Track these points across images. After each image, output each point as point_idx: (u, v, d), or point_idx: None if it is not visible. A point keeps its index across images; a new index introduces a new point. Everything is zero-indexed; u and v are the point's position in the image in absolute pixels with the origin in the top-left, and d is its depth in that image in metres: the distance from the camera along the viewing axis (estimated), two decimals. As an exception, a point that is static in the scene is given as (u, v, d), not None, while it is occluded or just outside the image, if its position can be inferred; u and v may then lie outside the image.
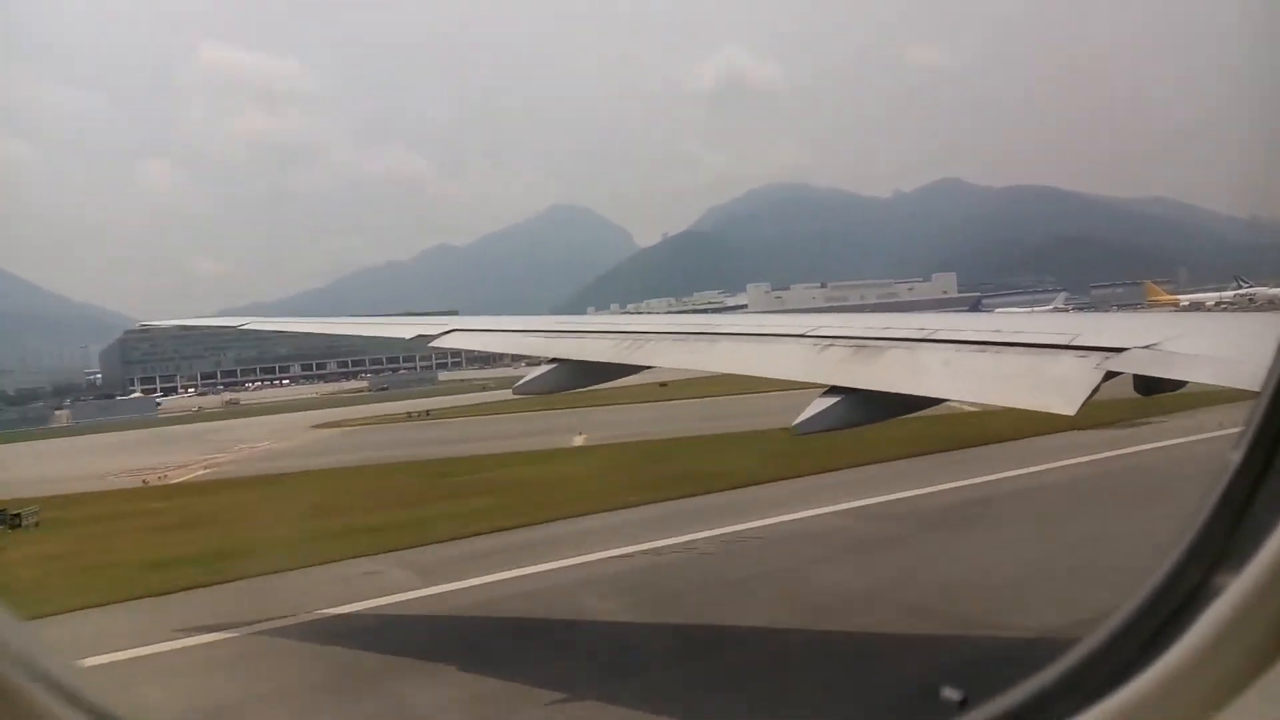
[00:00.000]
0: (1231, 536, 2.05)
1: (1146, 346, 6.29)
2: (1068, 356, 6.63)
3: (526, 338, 11.91)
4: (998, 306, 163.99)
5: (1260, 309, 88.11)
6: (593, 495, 21.91)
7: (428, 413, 60.42)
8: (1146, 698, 1.87)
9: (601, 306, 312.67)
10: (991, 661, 9.74)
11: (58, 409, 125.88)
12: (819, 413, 7.67)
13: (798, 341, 8.81)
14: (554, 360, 10.48)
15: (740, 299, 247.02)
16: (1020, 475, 20.69)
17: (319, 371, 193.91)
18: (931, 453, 23.86)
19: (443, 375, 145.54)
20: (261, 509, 25.11)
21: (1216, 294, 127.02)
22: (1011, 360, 6.97)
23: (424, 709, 10.55)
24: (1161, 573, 2.12)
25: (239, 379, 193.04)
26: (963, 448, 24.48)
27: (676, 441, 32.55)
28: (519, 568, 15.85)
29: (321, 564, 17.38)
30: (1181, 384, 6.24)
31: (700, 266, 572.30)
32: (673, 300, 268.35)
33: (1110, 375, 6.26)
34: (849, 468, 23.04)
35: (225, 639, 13.63)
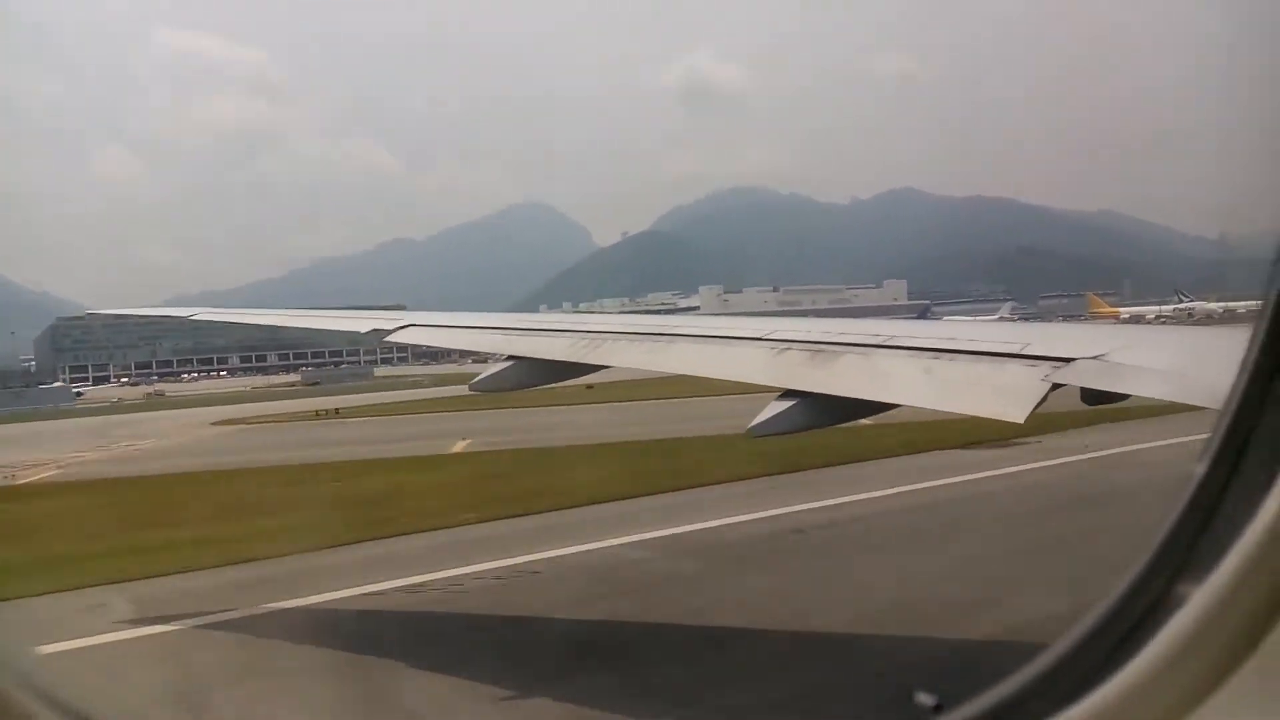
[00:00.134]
0: (1196, 546, 2.10)
1: (1094, 357, 6.36)
2: (1017, 365, 6.70)
3: (483, 334, 11.90)
4: (946, 314, 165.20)
5: (1198, 323, 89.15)
6: (408, 515, 19.64)
7: (336, 411, 57.72)
8: (1114, 703, 1.94)
9: (555, 305, 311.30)
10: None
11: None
12: (774, 415, 7.72)
13: (755, 344, 8.88)
14: (511, 357, 10.50)
15: (694, 300, 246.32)
16: (860, 501, 19.05)
17: (259, 364, 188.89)
18: (806, 469, 22.22)
19: (386, 370, 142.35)
20: (63, 520, 22.54)
21: (1157, 308, 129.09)
22: (963, 367, 7.07)
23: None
24: (1129, 579, 2.20)
25: (175, 370, 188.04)
26: (840, 464, 22.91)
27: (561, 450, 30.64)
28: (207, 614, 13.46)
29: (63, 590, 14.89)
30: (1125, 396, 6.27)
31: (659, 267, 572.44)
32: (626, 300, 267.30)
33: (1056, 386, 6.32)
34: (713, 484, 21.30)
35: None
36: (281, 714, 10.18)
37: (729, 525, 17.39)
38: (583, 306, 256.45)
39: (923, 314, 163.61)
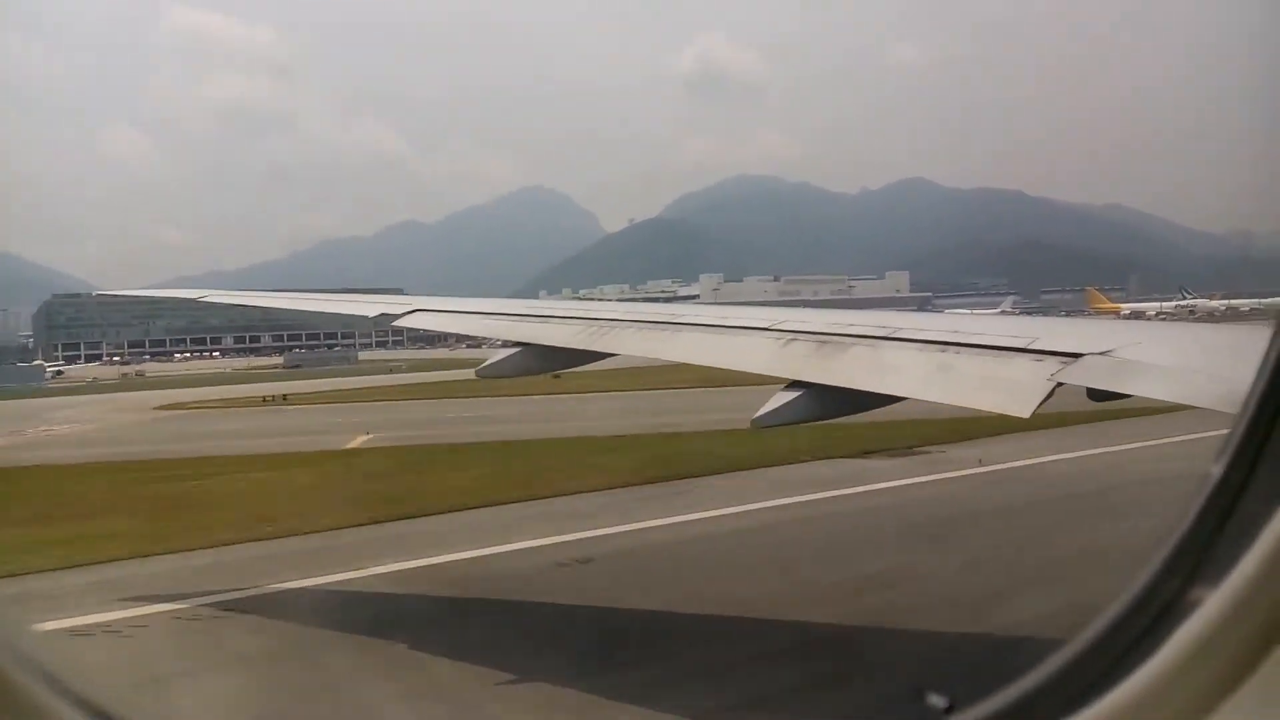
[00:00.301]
0: (1211, 549, 2.07)
1: (1103, 353, 6.32)
2: (1024, 360, 6.66)
3: (490, 320, 11.81)
4: (947, 308, 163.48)
5: (1199, 320, 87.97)
6: (218, 525, 17.71)
7: (284, 397, 56.05)
8: (1127, 706, 1.91)
9: (558, 291, 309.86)
10: None
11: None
12: (779, 406, 7.67)
13: (762, 335, 8.82)
14: (517, 344, 10.43)
15: (694, 289, 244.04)
16: (687, 522, 17.05)
17: (253, 345, 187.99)
18: (685, 477, 20.88)
19: (381, 354, 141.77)
20: None
21: (1158, 304, 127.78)
22: (971, 361, 7.02)
23: None
24: (1142, 582, 2.15)
25: (169, 349, 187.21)
26: (721, 472, 21.39)
27: (458, 449, 28.74)
28: None
29: None
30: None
31: (664, 254, 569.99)
32: (626, 287, 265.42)
33: (1060, 385, 6.26)
34: (569, 495, 19.62)
35: None
36: None
37: (512, 552, 15.33)
38: (582, 293, 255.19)
39: (922, 307, 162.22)
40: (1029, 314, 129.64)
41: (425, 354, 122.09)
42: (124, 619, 12.31)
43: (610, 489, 20.15)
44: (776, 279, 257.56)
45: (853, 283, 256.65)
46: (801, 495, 18.70)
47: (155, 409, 54.43)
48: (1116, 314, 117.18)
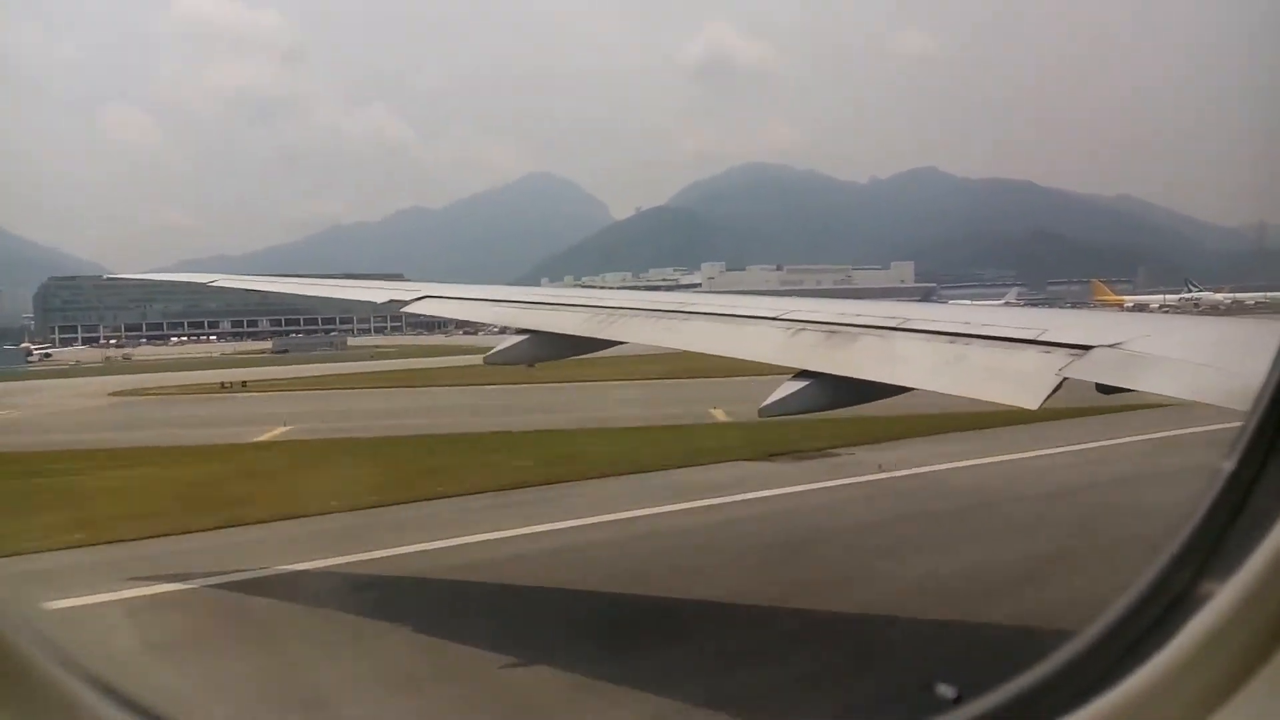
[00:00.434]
0: (1221, 543, 2.08)
1: (1111, 345, 6.27)
2: (1033, 351, 6.64)
3: (498, 307, 11.84)
4: (952, 298, 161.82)
5: (1203, 314, 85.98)
6: (65, 525, 15.91)
7: (243, 384, 54.23)
8: (1135, 699, 1.92)
9: (560, 279, 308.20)
10: None
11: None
12: (786, 396, 7.66)
13: (770, 324, 8.80)
14: (525, 331, 10.52)
15: (697, 277, 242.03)
16: (545, 532, 15.03)
17: (250, 329, 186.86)
18: (571, 480, 19.13)
19: (377, 340, 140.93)
20: None
21: (1162, 297, 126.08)
22: (980, 352, 7.02)
23: None
24: (1151, 575, 2.16)
25: (165, 333, 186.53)
26: (614, 475, 19.58)
27: (375, 442, 26.99)
28: None
29: None
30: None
31: (670, 241, 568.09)
32: (629, 275, 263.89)
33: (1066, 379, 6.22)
34: (440, 498, 17.71)
35: None
36: None
37: (402, 555, 13.54)
38: (584, 280, 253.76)
39: (926, 298, 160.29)
40: (1033, 305, 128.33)
41: (422, 340, 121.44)
42: None
43: (481, 493, 18.14)
44: (779, 268, 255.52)
45: (853, 272, 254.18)
46: (657, 506, 16.39)
47: (110, 395, 52.75)
48: (1120, 306, 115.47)
